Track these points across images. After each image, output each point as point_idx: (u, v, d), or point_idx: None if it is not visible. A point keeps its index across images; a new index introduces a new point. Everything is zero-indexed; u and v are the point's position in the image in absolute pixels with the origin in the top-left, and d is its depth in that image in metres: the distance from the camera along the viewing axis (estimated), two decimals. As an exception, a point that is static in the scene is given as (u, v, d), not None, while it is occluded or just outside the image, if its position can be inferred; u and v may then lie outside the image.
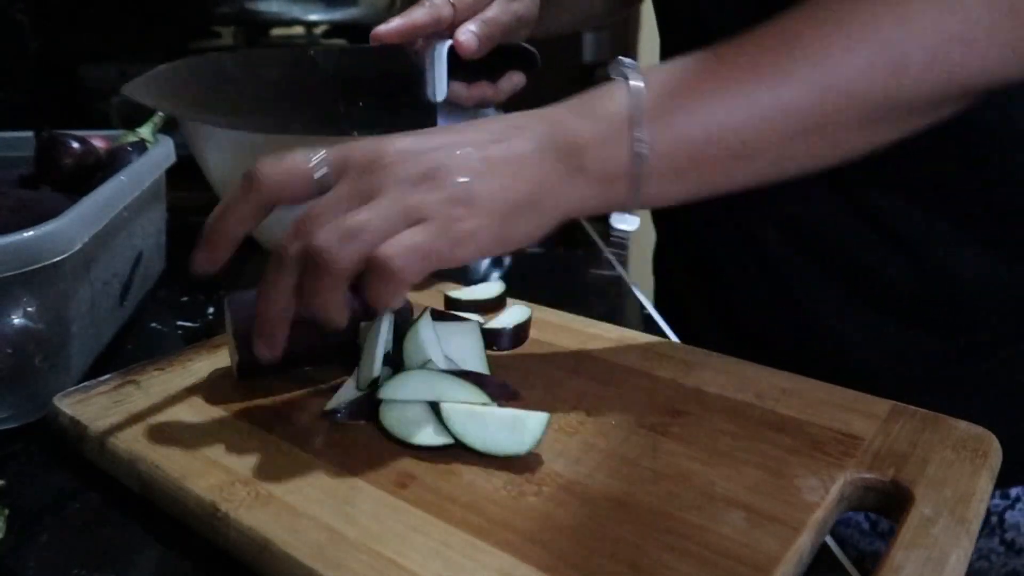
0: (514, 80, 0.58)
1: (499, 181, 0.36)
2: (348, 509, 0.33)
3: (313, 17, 1.05)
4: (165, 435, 0.38)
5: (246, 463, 0.36)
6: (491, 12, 0.54)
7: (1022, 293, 0.56)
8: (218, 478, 0.35)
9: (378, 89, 0.54)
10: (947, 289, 0.51)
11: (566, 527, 0.32)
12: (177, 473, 0.36)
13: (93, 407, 0.41)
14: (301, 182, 0.37)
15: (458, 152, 0.36)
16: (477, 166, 0.36)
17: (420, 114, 0.51)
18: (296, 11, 1.03)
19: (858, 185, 0.45)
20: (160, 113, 0.63)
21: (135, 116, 0.87)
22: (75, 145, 0.57)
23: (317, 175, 0.36)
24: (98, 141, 0.60)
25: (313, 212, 0.36)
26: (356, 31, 1.16)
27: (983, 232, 0.50)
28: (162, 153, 0.59)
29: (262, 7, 1.01)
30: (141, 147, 0.59)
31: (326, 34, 1.22)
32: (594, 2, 0.74)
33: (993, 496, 0.60)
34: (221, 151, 0.67)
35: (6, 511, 0.35)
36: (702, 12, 0.57)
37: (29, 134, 0.59)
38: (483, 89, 0.57)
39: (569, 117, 0.39)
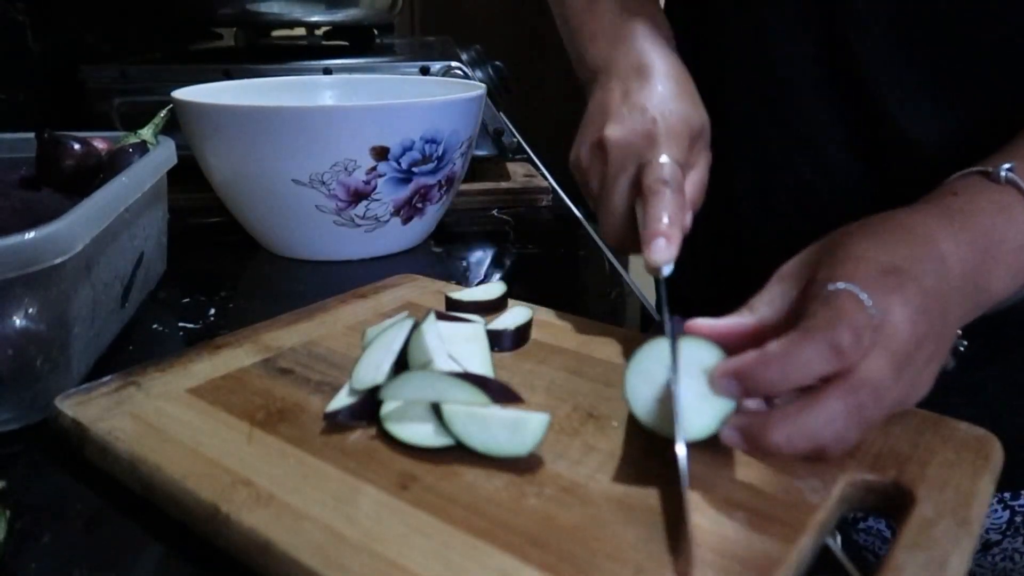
0: None
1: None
2: (349, 510, 0.33)
3: (315, 18, 1.05)
4: (166, 436, 0.38)
5: (247, 464, 0.36)
6: (698, 176, 0.50)
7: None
8: (219, 479, 0.35)
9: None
10: None
11: (568, 528, 0.32)
12: (178, 474, 0.36)
13: (94, 408, 0.41)
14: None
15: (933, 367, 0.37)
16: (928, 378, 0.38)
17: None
18: (297, 12, 1.03)
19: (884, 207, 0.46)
20: (162, 114, 0.63)
21: (136, 117, 0.87)
22: (76, 146, 0.57)
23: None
24: (99, 142, 0.60)
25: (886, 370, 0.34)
26: (357, 32, 1.16)
27: None
28: (163, 154, 0.59)
29: (263, 8, 1.01)
30: (142, 148, 0.59)
31: (327, 35, 1.22)
32: None
33: (1018, 497, 0.60)
34: (222, 153, 0.67)
35: (7, 512, 0.35)
36: None
37: (30, 135, 0.59)
38: None
39: (978, 271, 0.40)
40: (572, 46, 0.59)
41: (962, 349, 0.47)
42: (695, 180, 0.49)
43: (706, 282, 0.70)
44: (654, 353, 0.37)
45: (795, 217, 0.60)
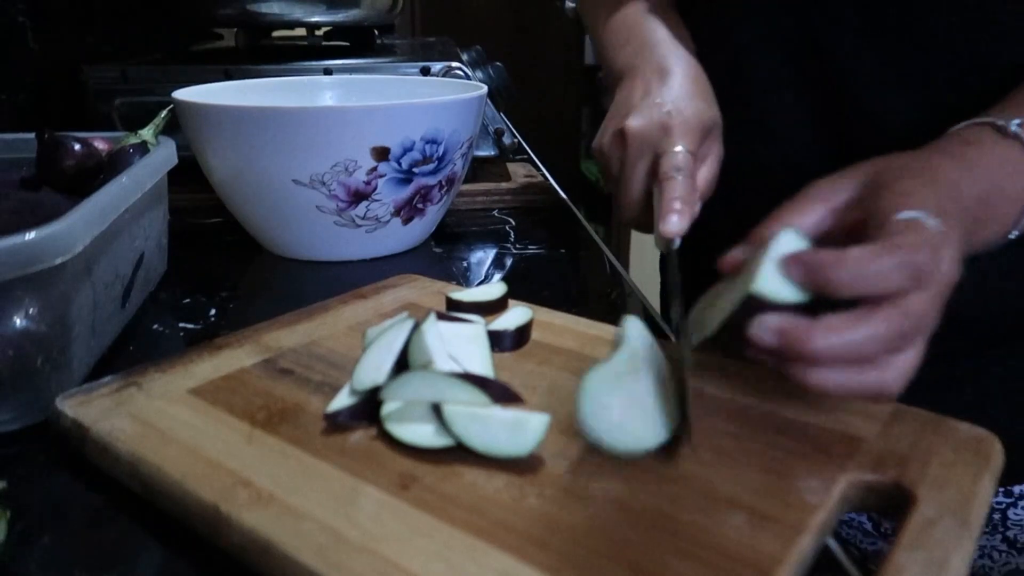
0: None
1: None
2: (350, 510, 0.33)
3: (315, 19, 1.05)
4: (167, 437, 0.39)
5: (248, 465, 0.36)
6: (708, 168, 0.54)
7: (1014, 297, 0.56)
8: (220, 480, 0.35)
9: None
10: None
11: (568, 529, 0.32)
12: (179, 475, 0.36)
13: (95, 409, 0.41)
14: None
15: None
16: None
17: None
18: (298, 13, 1.03)
19: None
20: (163, 114, 0.63)
21: (137, 118, 0.87)
22: (77, 147, 0.57)
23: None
24: (100, 143, 0.60)
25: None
26: (358, 33, 1.16)
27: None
28: (164, 155, 0.59)
29: (264, 9, 1.01)
30: (143, 149, 0.59)
31: (328, 35, 1.22)
32: None
33: (996, 494, 0.60)
34: (223, 153, 0.67)
35: (8, 513, 0.35)
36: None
37: (31, 136, 0.59)
38: None
39: (978, 222, 0.42)
40: (602, 54, 0.65)
41: None
42: (705, 172, 0.53)
43: (692, 271, 0.70)
44: (599, 378, 0.37)
45: (757, 205, 0.61)
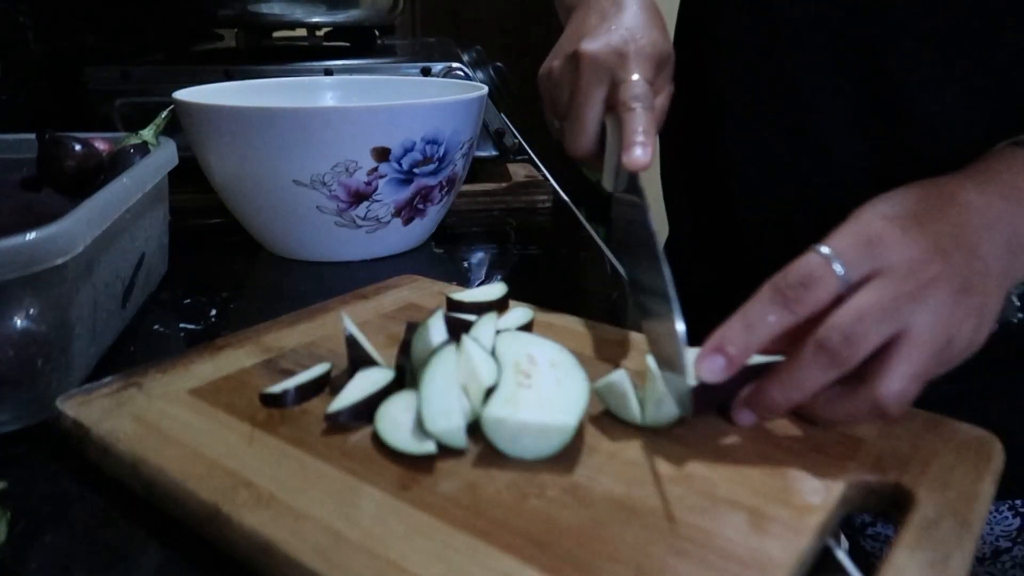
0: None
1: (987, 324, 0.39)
2: (350, 511, 0.33)
3: (316, 19, 1.05)
4: (167, 437, 0.39)
5: (248, 465, 0.36)
6: (661, 101, 0.53)
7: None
8: (220, 480, 0.35)
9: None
10: None
11: (568, 529, 0.32)
12: (179, 475, 0.36)
13: (95, 409, 0.41)
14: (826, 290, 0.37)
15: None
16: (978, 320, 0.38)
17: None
18: (299, 13, 1.03)
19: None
20: (163, 115, 0.63)
21: (138, 118, 0.87)
22: (77, 147, 0.57)
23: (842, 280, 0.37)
24: (100, 143, 0.60)
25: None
26: (358, 33, 1.16)
27: None
28: (164, 155, 0.59)
29: (264, 9, 1.01)
30: (143, 149, 0.59)
31: (328, 36, 1.22)
32: None
33: None
34: (224, 153, 0.67)
35: (8, 514, 0.35)
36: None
37: (31, 136, 0.59)
38: None
39: (1011, 214, 0.41)
40: None
41: (1020, 314, 0.47)
42: (659, 104, 0.52)
43: (709, 278, 0.70)
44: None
45: (796, 213, 0.60)
